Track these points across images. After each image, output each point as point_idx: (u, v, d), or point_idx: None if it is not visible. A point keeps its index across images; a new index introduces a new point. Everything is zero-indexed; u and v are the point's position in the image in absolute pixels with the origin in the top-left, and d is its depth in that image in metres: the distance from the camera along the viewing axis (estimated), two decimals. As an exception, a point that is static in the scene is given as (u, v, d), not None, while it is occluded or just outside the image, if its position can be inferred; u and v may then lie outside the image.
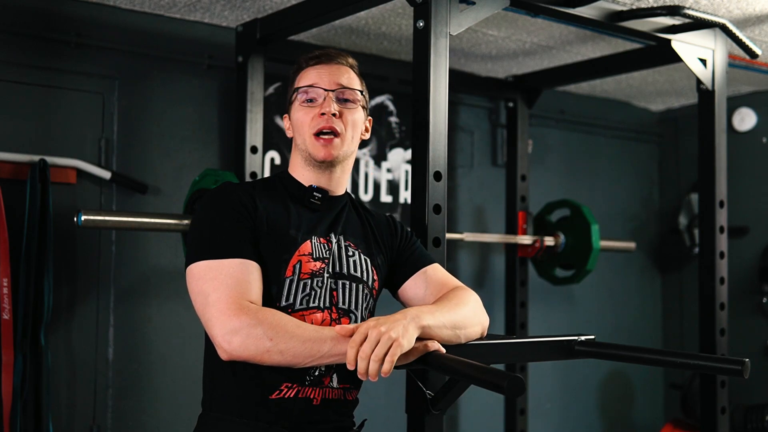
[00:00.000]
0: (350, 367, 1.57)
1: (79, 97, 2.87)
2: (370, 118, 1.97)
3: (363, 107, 1.91)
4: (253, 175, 2.95)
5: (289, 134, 1.93)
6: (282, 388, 1.73)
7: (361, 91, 1.90)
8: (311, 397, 1.75)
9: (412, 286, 1.93)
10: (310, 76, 1.87)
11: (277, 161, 3.29)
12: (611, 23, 2.63)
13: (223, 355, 1.64)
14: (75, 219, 2.52)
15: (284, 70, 3.22)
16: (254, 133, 2.97)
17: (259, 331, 1.60)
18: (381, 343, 1.55)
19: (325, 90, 1.84)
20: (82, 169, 2.83)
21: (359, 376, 1.57)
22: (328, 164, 1.85)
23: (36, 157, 2.71)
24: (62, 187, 2.80)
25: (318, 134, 1.83)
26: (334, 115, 1.83)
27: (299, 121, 1.86)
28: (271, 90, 3.26)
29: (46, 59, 2.81)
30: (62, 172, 2.79)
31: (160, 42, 3.03)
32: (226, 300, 1.63)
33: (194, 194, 2.76)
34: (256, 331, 1.60)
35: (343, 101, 1.86)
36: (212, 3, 2.88)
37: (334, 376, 1.78)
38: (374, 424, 1.94)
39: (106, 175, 2.86)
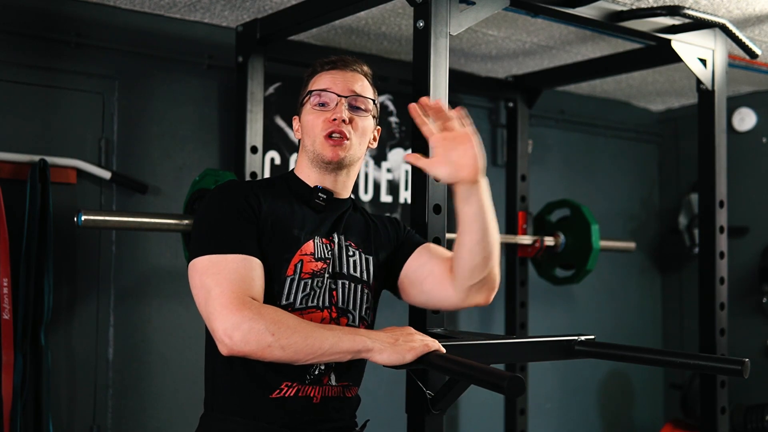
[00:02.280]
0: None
1: (79, 97, 2.87)
2: (378, 127, 1.98)
3: (373, 116, 1.92)
4: (253, 175, 2.95)
5: (297, 136, 1.94)
6: (282, 387, 1.74)
7: (373, 101, 1.91)
8: (311, 395, 1.76)
9: (416, 257, 1.94)
10: (324, 81, 1.88)
11: (277, 161, 3.29)
12: (611, 23, 2.63)
13: (224, 350, 1.63)
14: (75, 219, 2.52)
15: (284, 70, 3.23)
16: (254, 133, 2.97)
17: (261, 326, 1.60)
18: None
19: (338, 96, 1.85)
20: (82, 169, 2.83)
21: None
22: (334, 166, 1.86)
23: (36, 157, 2.71)
24: (62, 187, 2.80)
25: (328, 136, 1.83)
26: (344, 121, 1.83)
27: (310, 124, 1.87)
28: (271, 90, 3.26)
29: (46, 59, 2.81)
30: (62, 172, 2.79)
31: (160, 42, 3.03)
32: (228, 295, 1.63)
33: (194, 194, 2.76)
34: (257, 325, 1.60)
35: (354, 108, 1.87)
36: (212, 3, 2.88)
37: (332, 374, 1.79)
38: (374, 424, 1.94)
39: (106, 175, 2.86)
